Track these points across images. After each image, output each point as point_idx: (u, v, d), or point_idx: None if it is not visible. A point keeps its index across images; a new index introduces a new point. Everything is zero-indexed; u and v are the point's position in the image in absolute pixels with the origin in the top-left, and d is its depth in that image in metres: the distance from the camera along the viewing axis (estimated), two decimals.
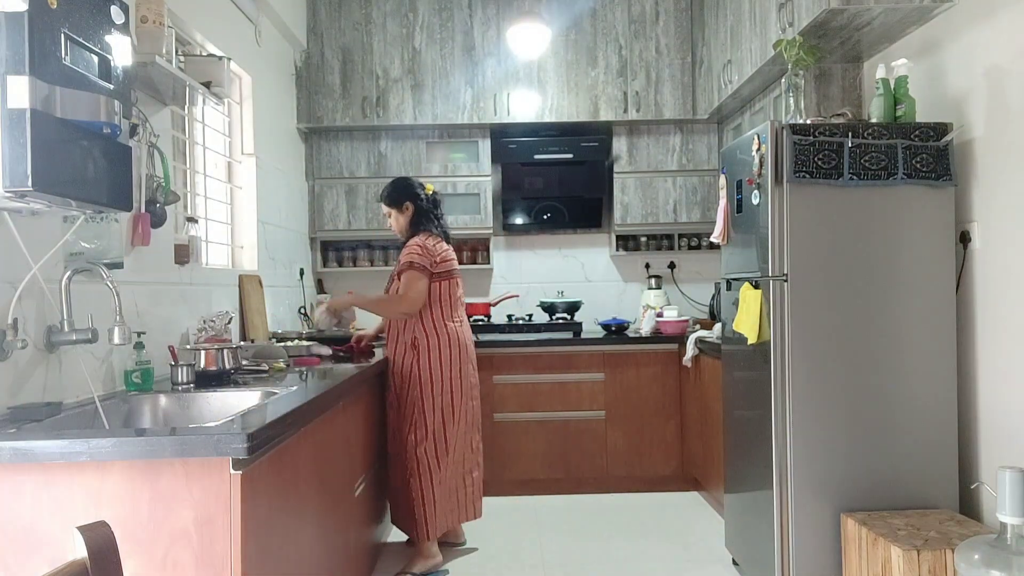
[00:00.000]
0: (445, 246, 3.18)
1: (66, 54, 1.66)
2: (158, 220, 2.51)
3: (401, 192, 3.22)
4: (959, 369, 2.57)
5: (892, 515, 2.41)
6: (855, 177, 2.50)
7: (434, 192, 3.29)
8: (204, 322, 2.85)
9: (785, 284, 2.52)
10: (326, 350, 3.19)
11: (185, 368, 2.38)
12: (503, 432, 4.09)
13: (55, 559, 1.46)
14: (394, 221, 3.26)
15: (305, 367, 2.84)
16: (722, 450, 3.21)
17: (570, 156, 4.47)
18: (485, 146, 4.49)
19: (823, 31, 2.79)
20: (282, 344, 3.09)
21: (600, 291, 4.80)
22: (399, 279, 3.08)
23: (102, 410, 1.95)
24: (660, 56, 4.40)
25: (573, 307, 4.42)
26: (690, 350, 3.86)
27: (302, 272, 4.35)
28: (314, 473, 2.08)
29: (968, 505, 2.53)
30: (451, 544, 3.38)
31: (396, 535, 3.57)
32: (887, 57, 2.93)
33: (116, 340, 1.93)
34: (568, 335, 4.26)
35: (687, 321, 4.20)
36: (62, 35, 1.65)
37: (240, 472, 1.50)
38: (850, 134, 2.50)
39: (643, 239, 4.64)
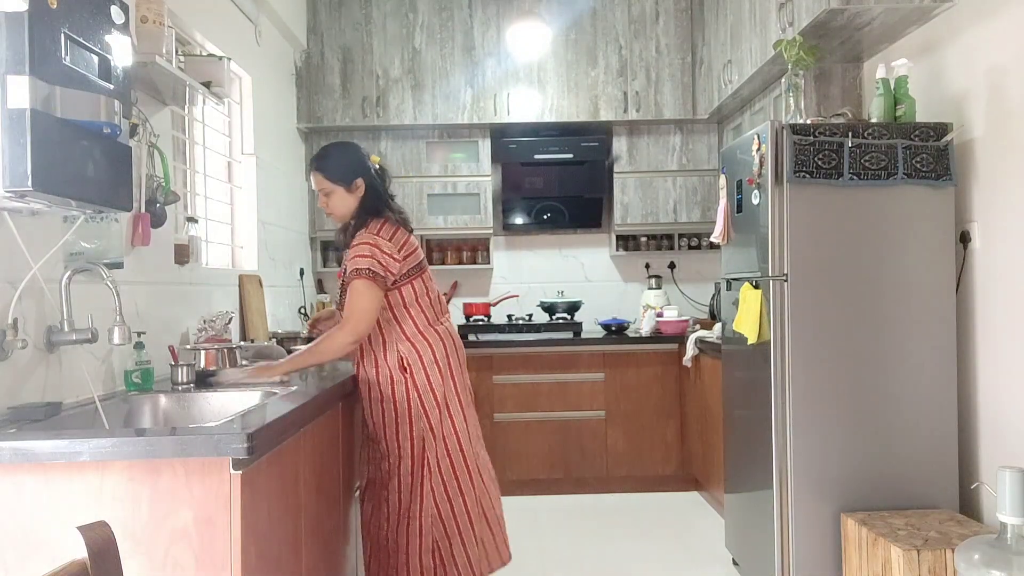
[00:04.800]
0: (405, 235, 2.38)
1: (66, 54, 1.66)
2: (158, 220, 2.51)
3: (350, 164, 2.39)
4: (959, 369, 2.56)
5: (892, 515, 2.41)
6: (855, 177, 2.50)
7: (380, 165, 2.48)
8: (204, 322, 2.85)
9: (785, 284, 2.52)
10: None
11: (185, 368, 2.38)
12: (503, 432, 4.08)
13: (55, 559, 1.46)
14: (337, 202, 2.38)
15: None
16: (722, 450, 3.21)
17: (570, 156, 4.47)
18: (485, 146, 4.49)
19: (823, 31, 2.79)
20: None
21: (600, 291, 4.79)
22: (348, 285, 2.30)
23: (102, 410, 1.94)
24: (660, 56, 4.40)
25: (573, 307, 4.42)
26: (690, 350, 3.86)
27: (302, 272, 4.35)
28: (314, 473, 2.08)
29: (968, 505, 2.53)
30: None
31: None
32: (887, 57, 2.93)
33: (116, 340, 1.93)
34: (568, 335, 4.26)
35: (687, 321, 4.20)
36: (62, 35, 1.65)
37: (240, 472, 1.50)
38: (850, 134, 2.49)
39: (643, 239, 4.64)
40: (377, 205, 2.38)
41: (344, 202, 2.38)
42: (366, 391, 2.40)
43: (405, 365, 2.34)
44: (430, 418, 2.34)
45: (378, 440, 2.38)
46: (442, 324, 2.45)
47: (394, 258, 2.30)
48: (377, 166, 2.46)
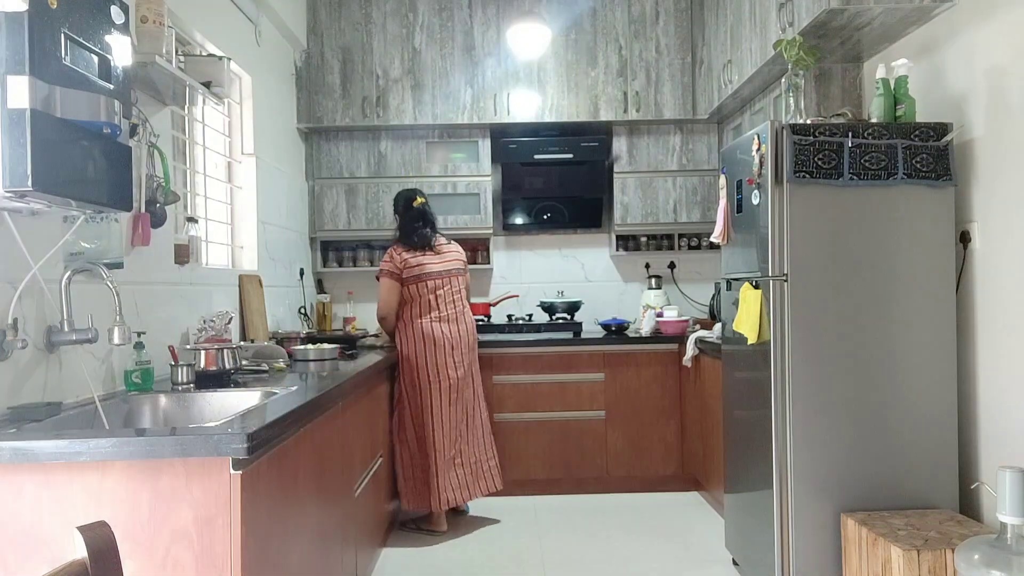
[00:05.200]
0: (411, 253, 3.58)
1: (66, 54, 1.66)
2: (158, 220, 2.51)
3: (395, 205, 3.76)
4: (959, 369, 2.57)
5: (892, 515, 2.41)
6: (855, 177, 2.50)
7: (423, 204, 3.66)
8: (204, 322, 2.85)
9: (785, 284, 2.52)
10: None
11: (185, 368, 2.38)
12: (503, 432, 4.08)
13: (55, 559, 1.46)
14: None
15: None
16: (722, 450, 3.21)
17: (570, 156, 4.47)
18: (485, 146, 4.49)
19: (823, 31, 2.79)
20: (313, 347, 3.16)
21: (600, 291, 4.79)
22: None
23: (102, 410, 1.95)
24: (660, 56, 4.40)
25: (573, 307, 4.42)
26: (690, 350, 3.86)
27: (302, 272, 4.35)
28: (314, 473, 2.08)
29: (968, 505, 2.53)
30: (455, 511, 3.80)
31: (397, 536, 3.57)
32: (887, 57, 2.93)
33: (116, 340, 1.93)
34: (568, 335, 4.26)
35: (687, 321, 4.20)
36: (62, 35, 1.65)
37: (240, 472, 1.50)
38: (850, 134, 2.49)
39: (643, 239, 4.64)
40: (400, 234, 3.66)
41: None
42: None
43: (396, 342, 3.61)
44: (403, 381, 3.57)
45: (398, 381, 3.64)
46: (423, 320, 3.55)
47: (396, 264, 3.55)
48: (418, 205, 3.64)
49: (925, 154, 2.50)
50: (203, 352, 2.48)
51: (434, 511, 3.55)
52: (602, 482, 4.15)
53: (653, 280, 4.59)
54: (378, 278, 3.57)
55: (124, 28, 1.90)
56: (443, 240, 3.73)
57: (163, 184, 2.51)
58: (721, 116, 4.35)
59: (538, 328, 4.31)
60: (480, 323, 4.33)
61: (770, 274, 2.55)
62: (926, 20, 2.70)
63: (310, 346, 3.20)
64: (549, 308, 4.43)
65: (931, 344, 2.52)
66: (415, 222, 3.62)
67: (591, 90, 4.40)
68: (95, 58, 1.77)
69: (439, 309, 3.57)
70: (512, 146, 4.46)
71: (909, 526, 2.29)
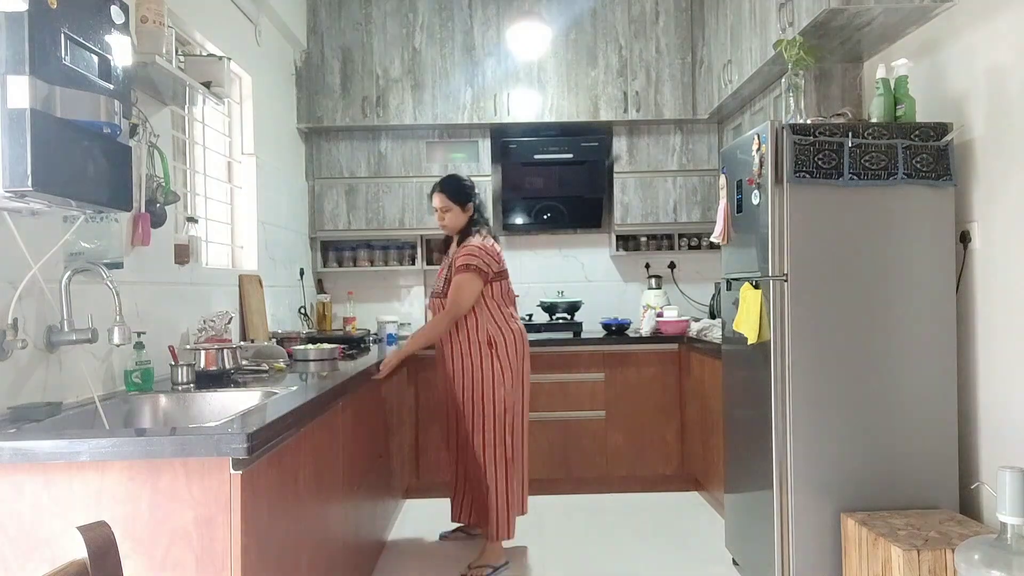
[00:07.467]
0: (497, 245, 3.21)
1: (66, 54, 1.66)
2: (158, 220, 2.51)
3: (467, 190, 3.21)
4: (959, 369, 2.56)
5: (892, 515, 2.41)
6: (855, 177, 2.50)
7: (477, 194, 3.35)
8: (204, 322, 2.85)
9: (785, 284, 2.52)
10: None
11: (185, 368, 2.38)
12: None
13: (55, 559, 1.46)
14: (451, 217, 3.19)
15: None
16: (722, 450, 3.21)
17: (570, 156, 4.47)
18: (485, 146, 4.49)
19: (823, 31, 2.79)
20: (313, 347, 3.16)
21: (600, 291, 4.79)
22: (453, 279, 3.09)
23: (102, 410, 1.95)
24: (660, 56, 4.40)
25: (573, 307, 4.42)
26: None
27: (302, 272, 4.35)
28: (314, 473, 2.08)
29: (968, 505, 2.53)
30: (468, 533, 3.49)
31: (397, 534, 3.57)
32: (887, 57, 2.93)
33: (116, 340, 1.94)
34: (568, 335, 4.26)
35: (687, 321, 4.20)
36: (62, 35, 1.65)
37: (240, 472, 1.50)
38: (850, 134, 2.49)
39: (643, 239, 4.64)
40: (481, 222, 3.23)
41: (457, 218, 3.19)
42: (453, 367, 3.14)
43: (492, 343, 3.08)
44: (495, 389, 3.07)
45: (469, 405, 3.10)
46: (516, 320, 3.19)
47: (495, 259, 3.12)
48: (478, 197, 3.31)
49: (925, 154, 2.50)
50: (203, 352, 2.48)
51: (507, 539, 3.17)
52: (602, 482, 4.15)
53: (653, 280, 4.59)
54: (452, 275, 3.11)
55: (124, 28, 1.90)
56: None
57: (163, 184, 2.51)
58: (721, 116, 4.35)
59: (538, 328, 4.31)
60: None
61: (770, 274, 2.55)
62: (926, 20, 2.70)
63: (310, 346, 3.20)
64: (549, 308, 4.43)
65: (931, 344, 2.52)
66: (485, 211, 3.40)
67: (591, 90, 4.40)
68: (95, 58, 1.77)
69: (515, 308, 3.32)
70: (512, 146, 4.47)
71: (909, 526, 2.29)
